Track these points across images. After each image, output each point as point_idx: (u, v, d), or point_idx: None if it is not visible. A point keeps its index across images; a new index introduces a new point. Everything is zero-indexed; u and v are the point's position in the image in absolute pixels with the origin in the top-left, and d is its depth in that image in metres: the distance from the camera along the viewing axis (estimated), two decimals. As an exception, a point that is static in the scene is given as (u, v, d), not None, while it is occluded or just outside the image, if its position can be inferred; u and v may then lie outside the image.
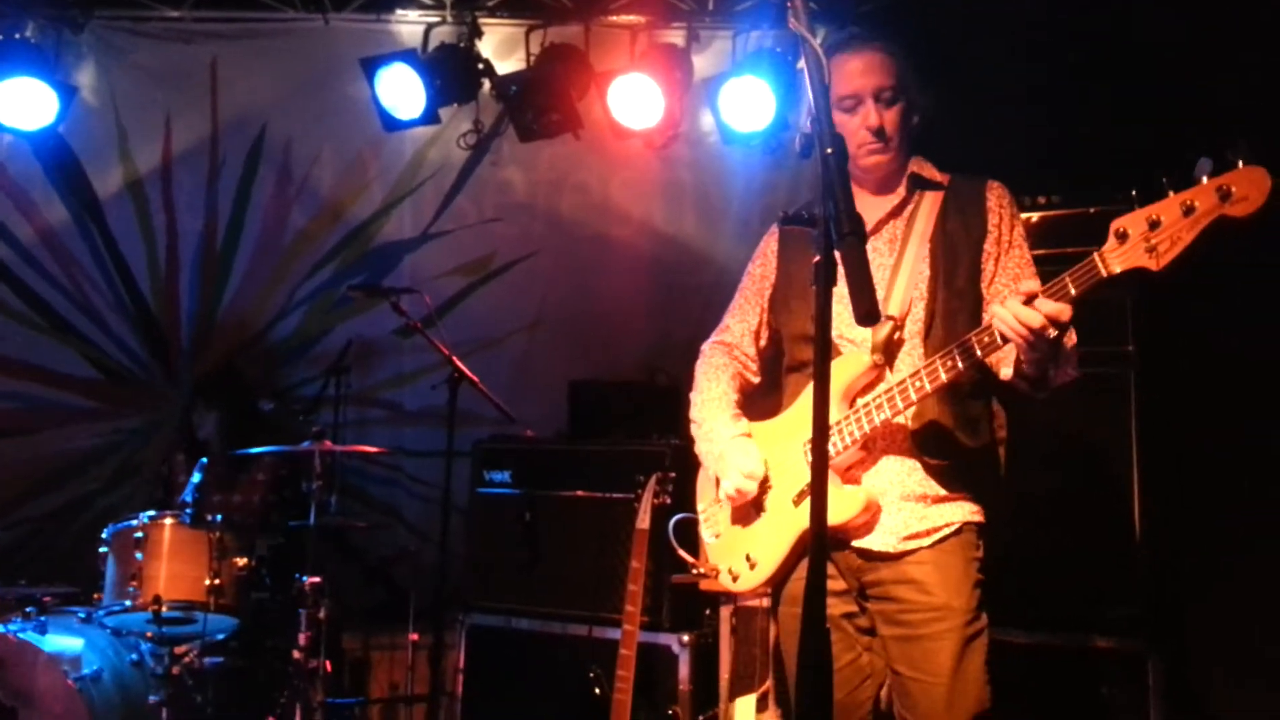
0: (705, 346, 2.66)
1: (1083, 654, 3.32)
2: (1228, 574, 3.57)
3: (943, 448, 2.27)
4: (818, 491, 1.55)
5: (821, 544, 1.53)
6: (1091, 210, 3.50)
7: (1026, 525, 3.27)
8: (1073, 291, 2.00)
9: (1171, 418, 3.44)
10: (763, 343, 2.60)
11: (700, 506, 2.61)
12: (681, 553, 2.72)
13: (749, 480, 2.35)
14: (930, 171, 2.41)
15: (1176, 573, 3.50)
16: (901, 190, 2.39)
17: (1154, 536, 3.33)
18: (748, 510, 2.43)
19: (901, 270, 2.31)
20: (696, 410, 2.58)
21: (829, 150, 1.61)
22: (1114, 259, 1.97)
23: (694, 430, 2.57)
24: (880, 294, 2.30)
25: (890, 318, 2.28)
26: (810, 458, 2.21)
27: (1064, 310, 2.00)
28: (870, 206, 2.39)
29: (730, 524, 2.49)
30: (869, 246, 2.32)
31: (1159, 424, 3.39)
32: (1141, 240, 1.95)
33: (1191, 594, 3.57)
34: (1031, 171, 3.69)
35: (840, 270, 1.62)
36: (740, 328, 2.60)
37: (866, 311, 1.60)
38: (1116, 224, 1.98)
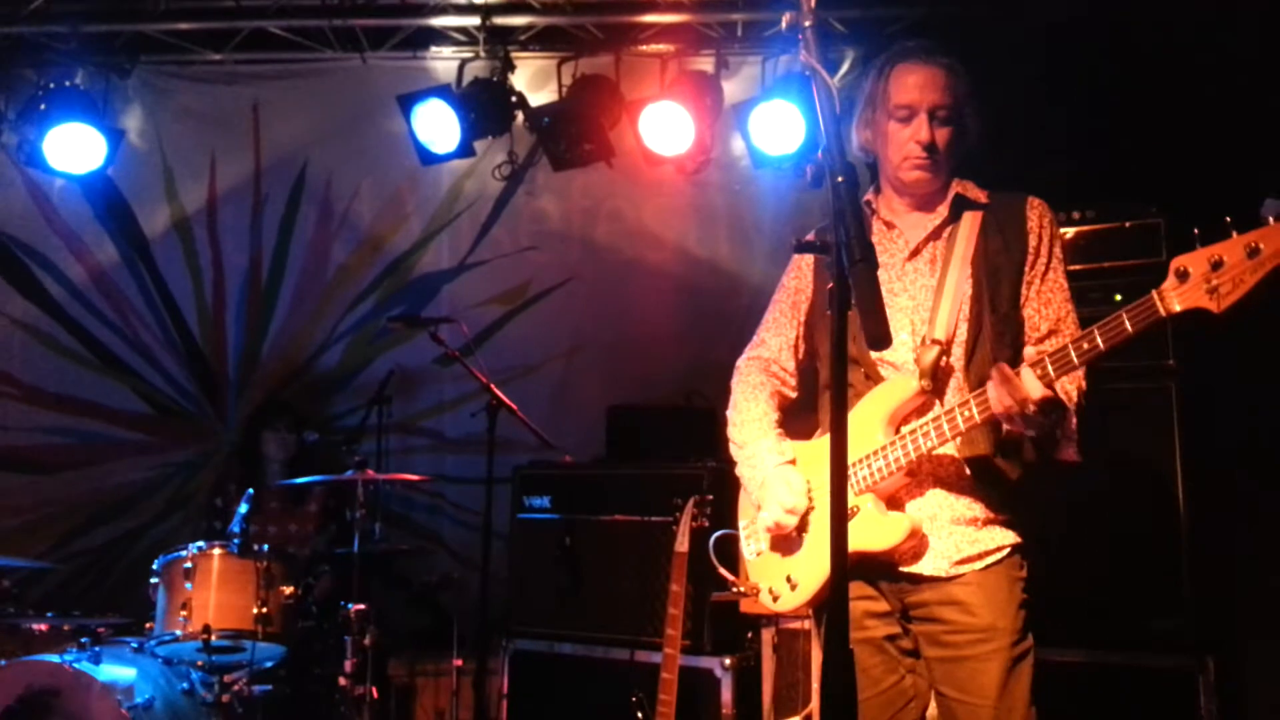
0: (740, 363, 2.61)
1: (1131, 672, 3.26)
2: (1278, 587, 3.50)
3: (990, 472, 2.25)
4: (838, 524, 1.56)
5: (842, 574, 1.53)
6: (1126, 224, 3.48)
7: (1072, 542, 3.26)
8: (1129, 329, 1.96)
9: (1215, 430, 3.39)
10: (801, 356, 2.55)
11: (741, 524, 2.59)
12: (722, 570, 2.72)
13: (789, 515, 2.33)
14: (973, 192, 2.37)
15: (1225, 588, 3.44)
16: (944, 210, 2.35)
17: (1201, 551, 3.28)
18: (790, 531, 2.42)
19: (945, 293, 2.28)
20: (737, 431, 2.54)
21: (839, 178, 1.62)
22: (1173, 298, 1.93)
23: (734, 452, 2.54)
24: (924, 316, 2.29)
25: (935, 341, 2.25)
26: (854, 480, 2.24)
27: (1034, 391, 2.01)
28: (912, 225, 2.38)
29: (772, 543, 2.49)
30: (911, 267, 2.34)
31: (1202, 437, 3.35)
32: (1203, 280, 1.89)
33: (1242, 608, 3.50)
34: (1064, 186, 3.68)
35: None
36: (777, 341, 2.56)
37: (875, 337, 1.60)
38: (1177, 262, 1.93)
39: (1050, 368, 2.05)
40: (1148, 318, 1.96)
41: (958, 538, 2.25)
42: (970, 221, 2.33)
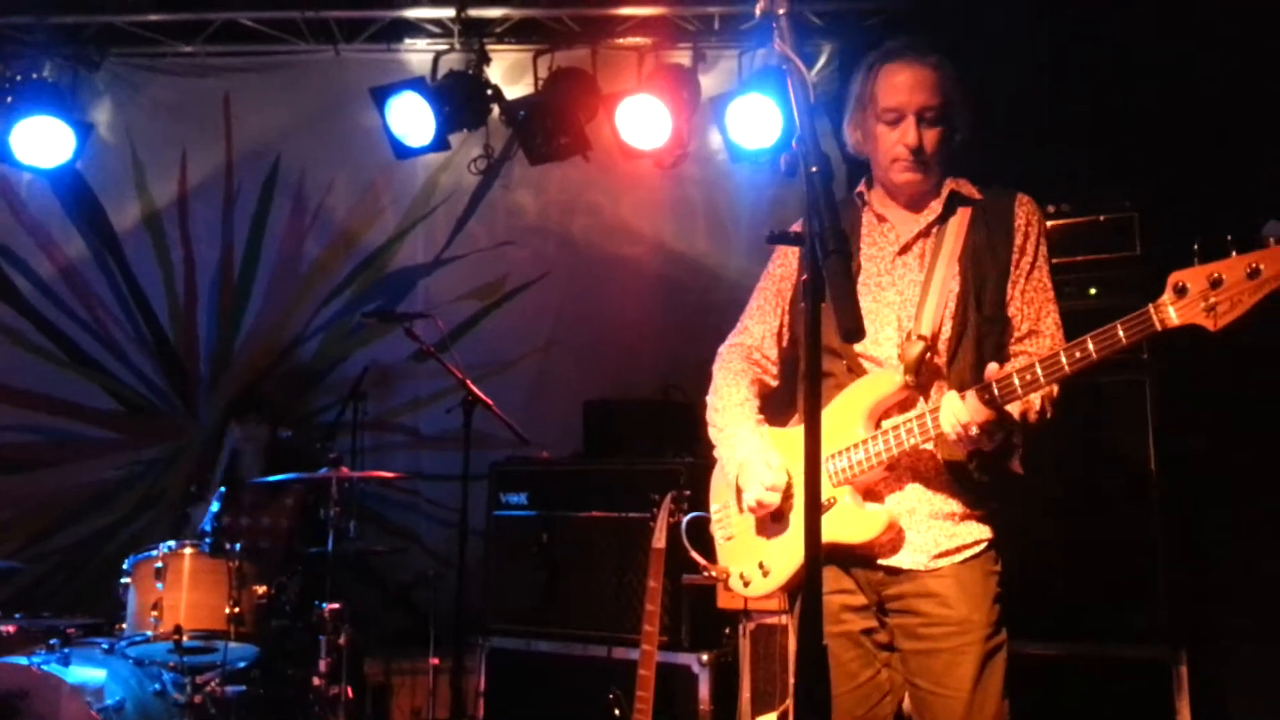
0: (723, 349, 2.60)
1: (1106, 664, 3.28)
2: (1253, 578, 3.52)
3: (966, 474, 2.26)
4: (810, 521, 1.55)
5: (815, 572, 1.52)
6: (1101, 218, 3.49)
7: (1046, 535, 3.27)
8: (1123, 340, 1.97)
9: (1189, 423, 3.41)
10: (784, 344, 2.54)
11: (713, 507, 2.59)
12: (693, 554, 2.72)
13: (771, 493, 2.31)
14: (967, 189, 2.36)
15: (1200, 579, 3.46)
16: (937, 206, 2.34)
17: (1175, 543, 3.30)
18: (765, 518, 2.41)
19: (932, 289, 2.28)
20: (718, 415, 2.52)
21: (813, 169, 1.60)
22: (1170, 312, 1.93)
23: (713, 434, 2.53)
24: (910, 312, 2.29)
25: (921, 337, 2.25)
26: (832, 471, 2.24)
27: (978, 416, 2.07)
28: (904, 222, 2.37)
29: (744, 529, 2.48)
30: (900, 262, 2.34)
31: (1176, 429, 3.36)
32: (1200, 297, 1.90)
33: (1216, 599, 3.52)
34: (1038, 179, 3.68)
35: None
36: (760, 329, 2.54)
37: (848, 329, 1.59)
38: (1175, 277, 1.94)
39: (998, 391, 2.09)
40: (1143, 330, 1.96)
41: (936, 532, 2.26)
42: (960, 219, 2.33)
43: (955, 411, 2.11)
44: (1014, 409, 2.15)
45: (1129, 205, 3.47)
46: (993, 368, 2.13)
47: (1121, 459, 3.35)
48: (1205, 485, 3.49)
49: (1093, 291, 3.45)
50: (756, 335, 2.55)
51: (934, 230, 2.34)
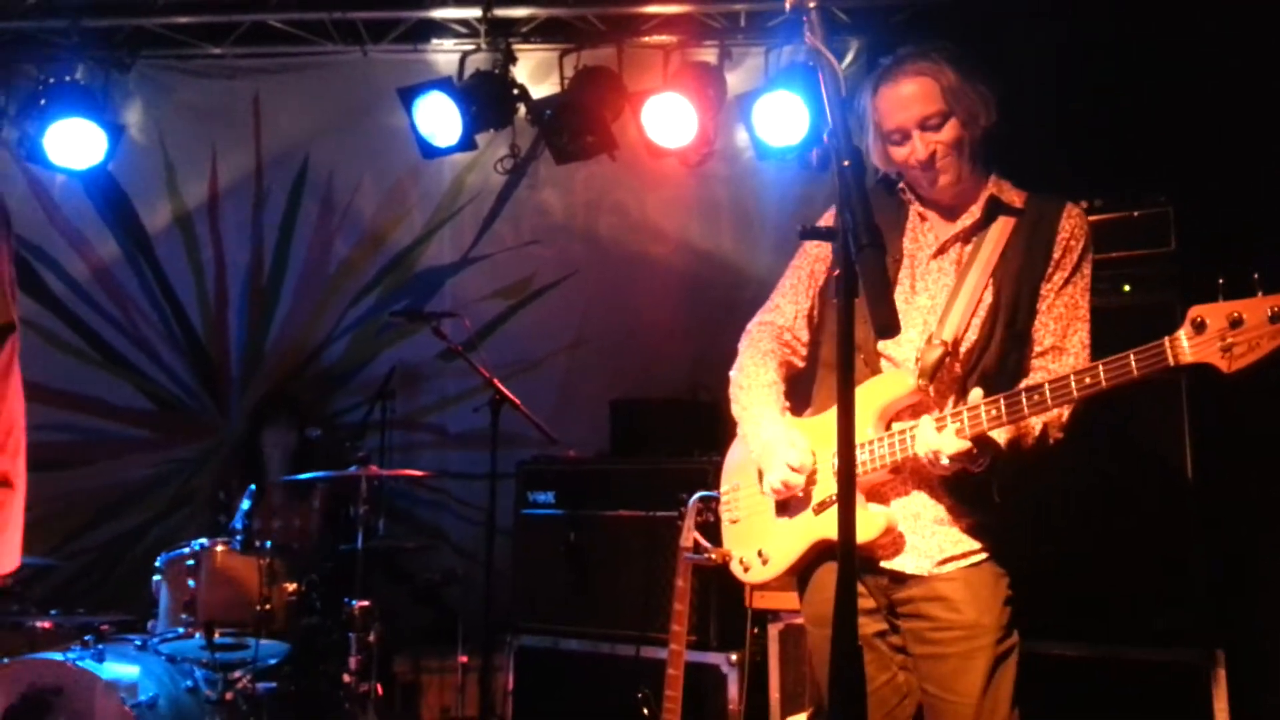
0: (752, 326, 2.56)
1: (1141, 667, 3.23)
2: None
3: (970, 485, 2.22)
4: (845, 521, 1.53)
5: (849, 570, 1.50)
6: (1135, 214, 3.43)
7: (1078, 532, 3.23)
8: (1135, 373, 1.93)
9: (1225, 416, 3.34)
10: (816, 325, 2.51)
11: (723, 488, 2.59)
12: (695, 535, 2.71)
13: (796, 474, 2.28)
14: (1009, 194, 2.32)
15: (1238, 580, 3.40)
16: (976, 211, 2.30)
17: (1212, 541, 3.23)
18: (772, 506, 2.40)
19: (960, 295, 2.24)
20: (744, 394, 2.49)
21: (845, 162, 1.59)
22: (1185, 349, 1.89)
23: (736, 410, 2.50)
24: (935, 316, 2.27)
25: (943, 342, 2.22)
26: (836, 467, 2.20)
27: (947, 448, 2.06)
28: (942, 223, 2.35)
29: (750, 513, 2.47)
30: (935, 265, 2.32)
31: (1213, 423, 3.30)
32: (1218, 336, 1.85)
33: (1255, 601, 3.46)
34: (1071, 173, 3.65)
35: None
36: (792, 309, 2.50)
37: (883, 325, 1.57)
38: (1195, 312, 1.89)
39: (966, 420, 2.06)
40: (1155, 364, 1.92)
41: (940, 537, 2.24)
42: (1001, 228, 2.28)
43: (926, 440, 2.10)
44: (1001, 435, 2.11)
45: (1164, 200, 3.41)
46: (976, 394, 2.10)
47: (1157, 453, 3.29)
48: (1243, 481, 3.42)
49: (1126, 288, 3.39)
50: (789, 315, 2.51)
51: (973, 237, 2.31)
